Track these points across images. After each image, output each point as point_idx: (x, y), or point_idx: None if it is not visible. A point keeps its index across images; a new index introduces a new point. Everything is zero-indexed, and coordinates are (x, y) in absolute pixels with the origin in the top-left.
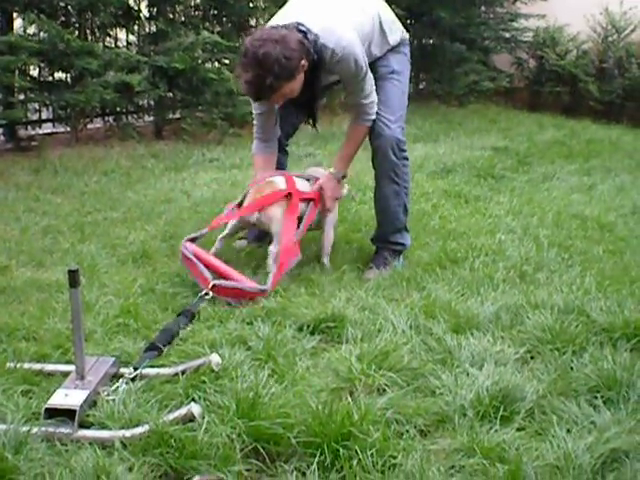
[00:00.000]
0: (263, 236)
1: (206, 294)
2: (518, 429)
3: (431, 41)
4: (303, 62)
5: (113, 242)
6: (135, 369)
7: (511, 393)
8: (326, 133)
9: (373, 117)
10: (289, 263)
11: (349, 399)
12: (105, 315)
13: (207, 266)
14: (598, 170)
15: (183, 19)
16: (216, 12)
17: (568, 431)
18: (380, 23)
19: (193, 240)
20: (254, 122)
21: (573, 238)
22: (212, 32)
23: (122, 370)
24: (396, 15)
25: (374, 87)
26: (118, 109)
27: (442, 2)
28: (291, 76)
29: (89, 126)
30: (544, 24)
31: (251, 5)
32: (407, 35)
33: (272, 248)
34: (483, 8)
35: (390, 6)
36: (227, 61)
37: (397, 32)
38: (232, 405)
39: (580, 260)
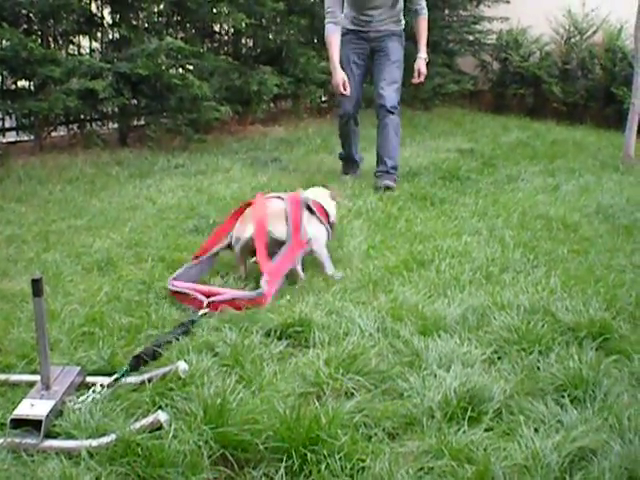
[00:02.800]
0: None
1: (204, 313)
2: (486, 430)
3: None
4: None
5: (78, 250)
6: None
7: (478, 394)
8: (291, 138)
9: (425, 7)
10: (283, 271)
11: (317, 403)
12: (70, 324)
13: (198, 292)
14: (562, 171)
15: (146, 25)
16: (179, 18)
17: (535, 430)
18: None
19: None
20: (327, 9)
21: (538, 239)
22: (176, 38)
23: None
24: None
25: None
26: (82, 116)
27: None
28: None
29: (53, 134)
30: (507, 27)
31: (214, 11)
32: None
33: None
34: (447, 11)
35: None
36: (191, 67)
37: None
38: (199, 412)
39: (545, 260)
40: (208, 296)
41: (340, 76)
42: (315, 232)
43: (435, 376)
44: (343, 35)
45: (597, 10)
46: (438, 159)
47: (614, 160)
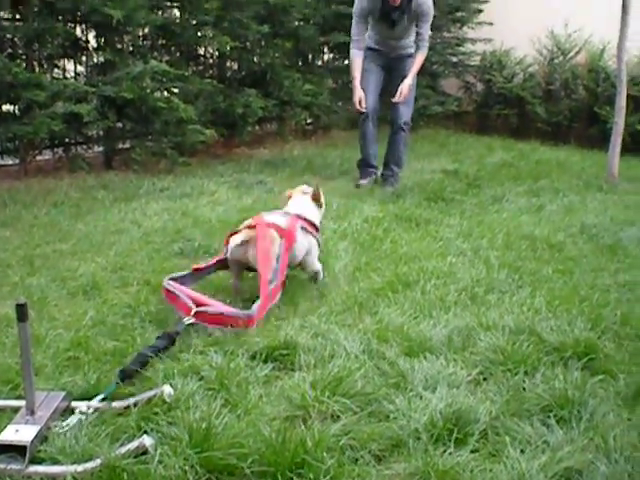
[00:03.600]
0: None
1: (190, 323)
2: (472, 451)
3: None
4: None
5: (63, 275)
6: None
7: (464, 415)
8: (277, 160)
9: (427, 45)
10: (276, 296)
11: (303, 427)
12: (55, 349)
13: (190, 298)
14: (547, 191)
15: (131, 49)
16: (164, 41)
17: (522, 451)
18: None
19: (175, 279)
20: (353, 31)
21: (523, 259)
22: (160, 61)
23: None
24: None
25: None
26: (67, 140)
27: None
28: None
29: (38, 158)
30: (491, 48)
31: (199, 34)
32: None
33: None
34: (430, 33)
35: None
36: (176, 90)
37: None
38: (185, 436)
39: (530, 280)
40: (198, 305)
41: (358, 94)
42: (308, 246)
43: (421, 397)
44: (366, 50)
45: (580, 31)
46: (423, 180)
47: (598, 180)
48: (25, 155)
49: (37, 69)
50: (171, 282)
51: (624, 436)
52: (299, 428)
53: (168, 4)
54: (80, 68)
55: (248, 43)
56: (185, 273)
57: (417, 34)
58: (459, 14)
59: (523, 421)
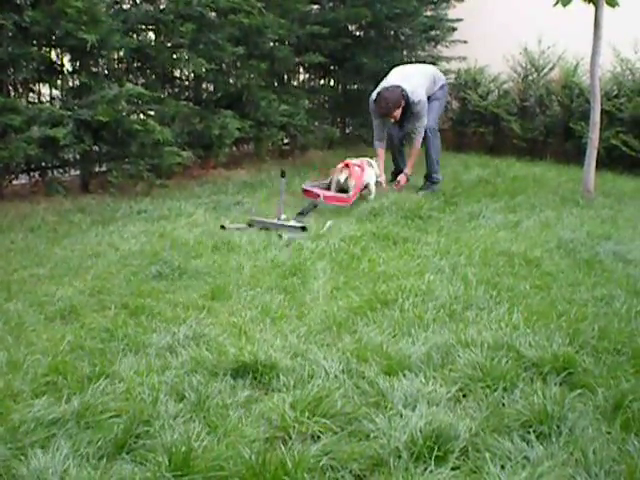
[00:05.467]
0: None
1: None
2: (453, 468)
3: (355, 86)
4: (403, 102)
5: (40, 299)
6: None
7: (444, 432)
8: (254, 181)
9: (421, 135)
10: (356, 195)
11: (283, 448)
12: (33, 374)
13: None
14: (523, 207)
15: (106, 72)
16: (139, 64)
17: (502, 467)
18: (434, 80)
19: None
20: (375, 131)
21: (500, 275)
22: (136, 84)
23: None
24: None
25: (424, 122)
26: (43, 164)
27: (364, 48)
28: (399, 106)
29: (14, 182)
30: (465, 66)
31: (174, 57)
32: (445, 80)
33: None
34: (405, 52)
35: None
36: (152, 112)
37: (440, 82)
38: (164, 460)
39: (508, 296)
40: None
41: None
42: (370, 177)
43: (401, 416)
44: None
45: (553, 47)
46: (400, 198)
47: (574, 195)
48: (1, 180)
49: (12, 94)
50: (307, 187)
51: (604, 450)
52: (279, 449)
53: (143, 27)
54: (55, 92)
55: (224, 65)
56: (313, 183)
57: (412, 126)
58: (433, 33)
59: (503, 437)
